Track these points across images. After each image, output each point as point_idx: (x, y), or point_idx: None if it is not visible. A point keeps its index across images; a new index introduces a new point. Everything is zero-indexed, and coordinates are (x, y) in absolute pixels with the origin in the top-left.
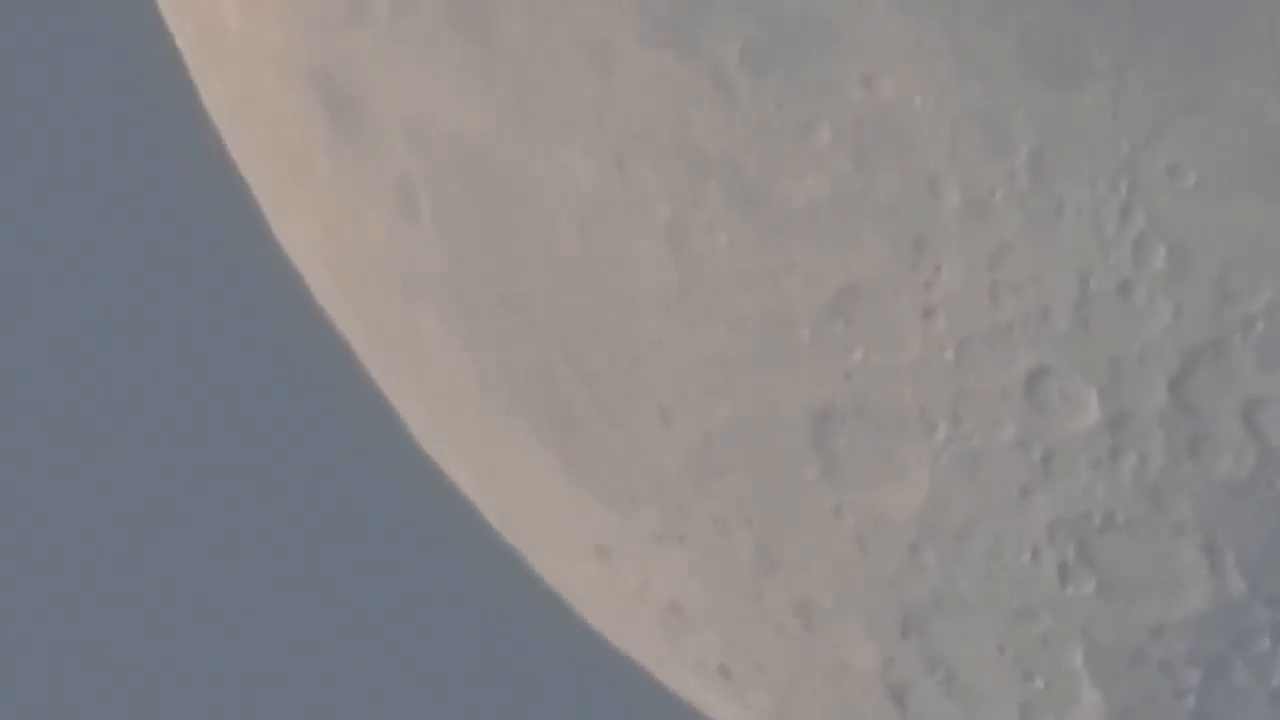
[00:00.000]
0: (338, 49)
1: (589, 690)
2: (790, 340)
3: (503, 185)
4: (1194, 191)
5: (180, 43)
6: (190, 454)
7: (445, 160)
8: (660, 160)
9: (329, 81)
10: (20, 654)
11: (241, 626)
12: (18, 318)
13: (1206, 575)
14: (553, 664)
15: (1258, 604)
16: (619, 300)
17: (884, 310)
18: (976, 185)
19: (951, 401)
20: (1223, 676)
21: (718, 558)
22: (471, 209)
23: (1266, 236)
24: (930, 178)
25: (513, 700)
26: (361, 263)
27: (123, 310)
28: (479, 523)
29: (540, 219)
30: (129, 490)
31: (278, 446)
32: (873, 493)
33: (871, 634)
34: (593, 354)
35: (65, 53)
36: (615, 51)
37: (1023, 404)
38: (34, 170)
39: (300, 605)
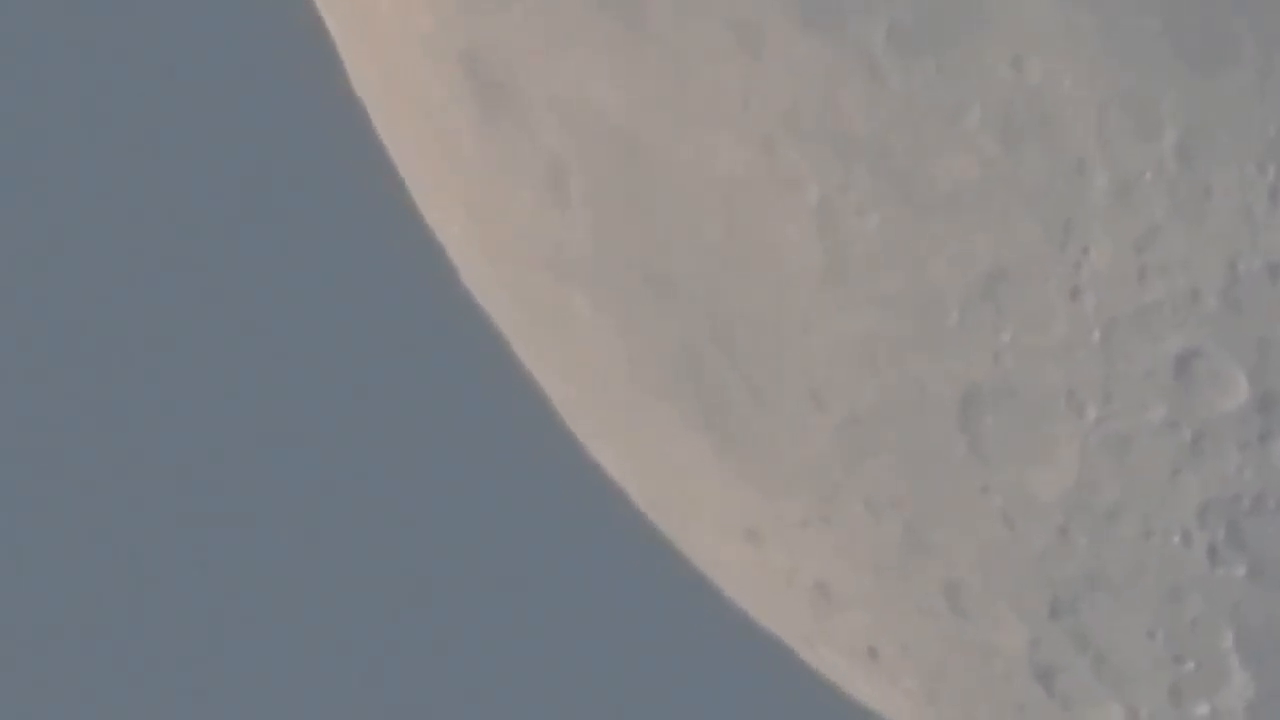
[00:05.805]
0: (487, 30)
1: (736, 670)
2: (939, 321)
3: (651, 167)
4: None
5: (330, 25)
6: (335, 437)
7: (594, 142)
8: (808, 142)
9: (478, 63)
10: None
11: (397, 613)
12: (176, 299)
13: None
14: (700, 644)
15: None
16: (767, 282)
17: (1032, 291)
18: (1124, 168)
19: (1100, 382)
20: None
21: (866, 539)
22: (620, 190)
23: None
24: (1078, 160)
25: (660, 680)
26: (510, 244)
27: (269, 293)
28: (626, 505)
29: (688, 201)
30: (287, 475)
31: (422, 428)
32: (1021, 473)
33: (1020, 615)
34: (741, 336)
35: (215, 38)
36: (763, 33)
37: (1172, 385)
38: (185, 157)
39: (444, 589)
